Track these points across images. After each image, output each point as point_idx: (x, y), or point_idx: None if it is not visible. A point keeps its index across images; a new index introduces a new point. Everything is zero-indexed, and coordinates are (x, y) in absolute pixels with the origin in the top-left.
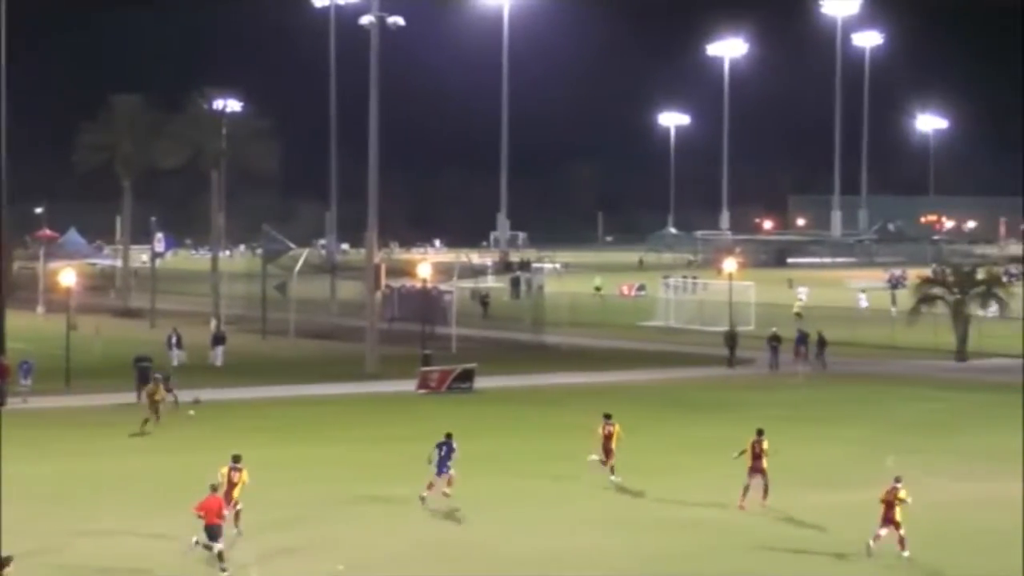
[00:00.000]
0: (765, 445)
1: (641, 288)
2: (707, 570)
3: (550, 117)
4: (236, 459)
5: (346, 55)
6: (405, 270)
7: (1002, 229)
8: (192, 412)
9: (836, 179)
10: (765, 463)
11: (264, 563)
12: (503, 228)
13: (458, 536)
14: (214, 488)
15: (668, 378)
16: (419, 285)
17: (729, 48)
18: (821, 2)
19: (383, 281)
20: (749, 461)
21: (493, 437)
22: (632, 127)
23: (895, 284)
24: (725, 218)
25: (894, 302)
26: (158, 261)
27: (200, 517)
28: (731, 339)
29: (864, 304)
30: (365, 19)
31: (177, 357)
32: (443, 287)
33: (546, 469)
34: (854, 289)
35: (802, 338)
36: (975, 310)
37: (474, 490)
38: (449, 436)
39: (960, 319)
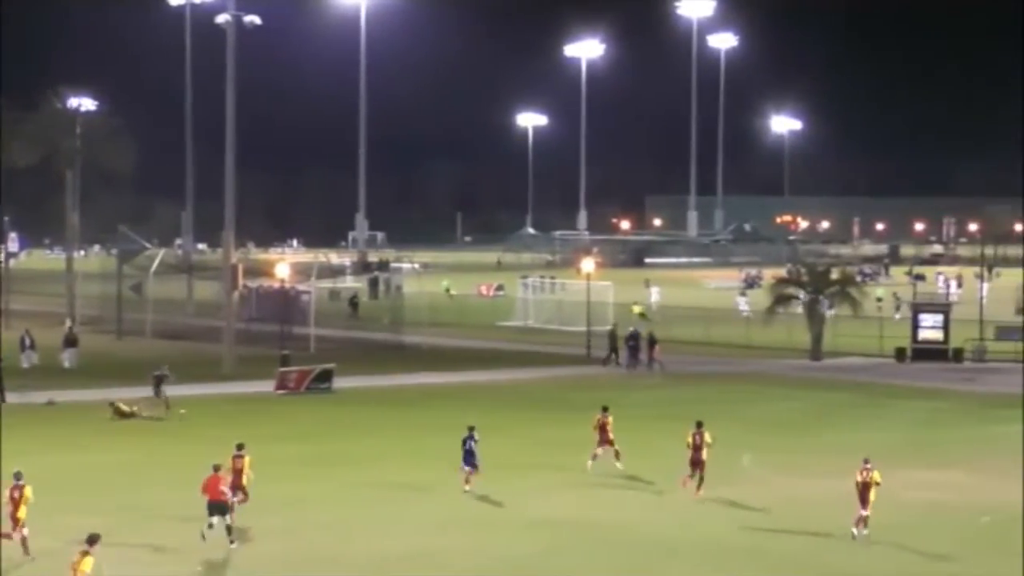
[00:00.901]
0: (707, 438)
1: (500, 288)
2: (564, 569)
3: (409, 117)
4: (240, 447)
5: (203, 53)
6: (263, 270)
7: (855, 229)
8: (183, 411)
9: (692, 179)
10: (705, 454)
11: (126, 565)
12: (361, 228)
13: (312, 537)
14: (216, 468)
15: (527, 378)
16: (277, 285)
17: (586, 49)
18: (677, 4)
19: (240, 281)
20: (690, 453)
21: (351, 437)
22: (490, 127)
23: (751, 284)
24: (583, 218)
25: (743, 295)
26: (12, 261)
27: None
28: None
29: (744, 307)
30: (221, 18)
31: (28, 359)
32: (301, 287)
33: (404, 470)
34: (713, 289)
35: (633, 336)
36: (830, 309)
37: (328, 491)
38: (471, 429)
39: (815, 318)
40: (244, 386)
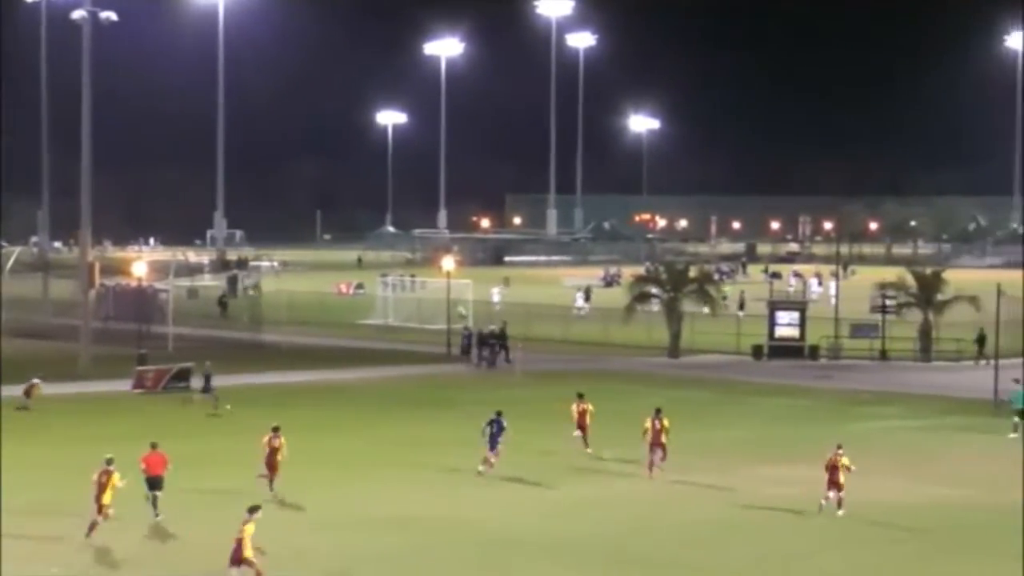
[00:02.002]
0: (665, 423)
1: (359, 286)
2: (422, 567)
3: (268, 115)
4: (276, 429)
5: (58, 50)
6: (120, 268)
7: (713, 228)
8: (228, 406)
9: (552, 178)
10: (664, 438)
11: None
12: (220, 226)
13: (165, 537)
14: (153, 445)
15: (387, 376)
16: (134, 283)
17: (446, 47)
18: (536, 3)
19: (97, 279)
20: (650, 437)
21: (205, 437)
22: (350, 126)
23: (610, 282)
24: (443, 216)
25: (587, 299)
26: None
27: (143, 471)
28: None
29: (581, 303)
30: (77, 14)
31: None
32: (159, 285)
33: (256, 469)
34: (570, 287)
35: (469, 336)
36: (687, 307)
37: (181, 491)
38: (499, 414)
39: (673, 316)
40: (101, 385)
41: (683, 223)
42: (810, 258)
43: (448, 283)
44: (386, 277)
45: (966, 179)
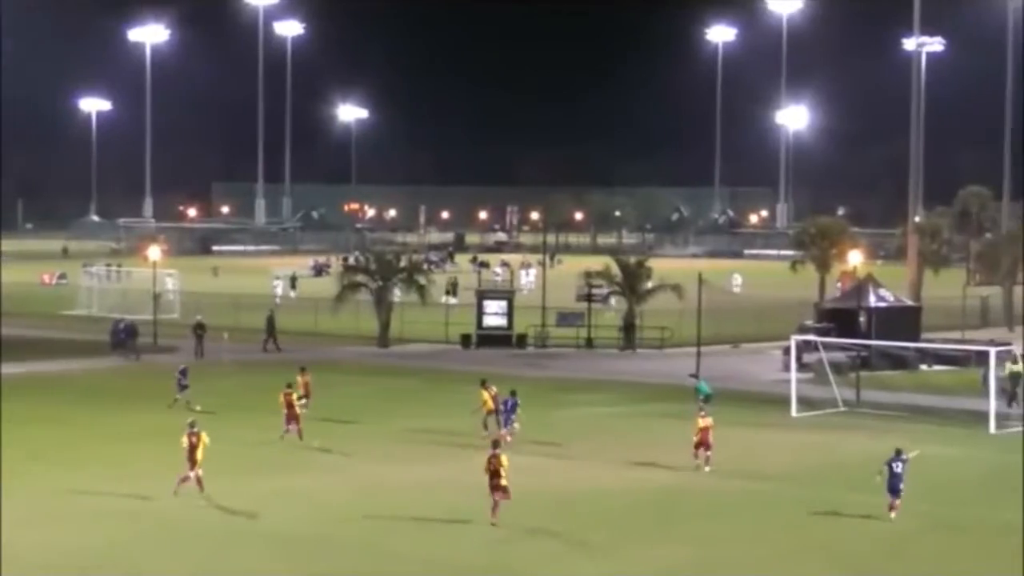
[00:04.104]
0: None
1: (63, 276)
2: (129, 561)
3: None
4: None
5: None
6: None
7: (422, 217)
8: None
9: (260, 167)
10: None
11: None
12: None
13: None
14: None
15: (92, 368)
16: None
17: (151, 34)
18: None
19: None
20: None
21: None
22: (52, 112)
23: (319, 271)
24: (149, 205)
25: (293, 287)
26: None
27: None
28: (270, 323)
29: (279, 291)
30: None
31: None
32: None
33: None
34: (278, 277)
35: (124, 329)
36: (397, 296)
37: None
38: (513, 393)
39: (383, 306)
40: None
41: (392, 213)
42: (517, 248)
43: (154, 273)
44: (90, 267)
45: (670, 170)
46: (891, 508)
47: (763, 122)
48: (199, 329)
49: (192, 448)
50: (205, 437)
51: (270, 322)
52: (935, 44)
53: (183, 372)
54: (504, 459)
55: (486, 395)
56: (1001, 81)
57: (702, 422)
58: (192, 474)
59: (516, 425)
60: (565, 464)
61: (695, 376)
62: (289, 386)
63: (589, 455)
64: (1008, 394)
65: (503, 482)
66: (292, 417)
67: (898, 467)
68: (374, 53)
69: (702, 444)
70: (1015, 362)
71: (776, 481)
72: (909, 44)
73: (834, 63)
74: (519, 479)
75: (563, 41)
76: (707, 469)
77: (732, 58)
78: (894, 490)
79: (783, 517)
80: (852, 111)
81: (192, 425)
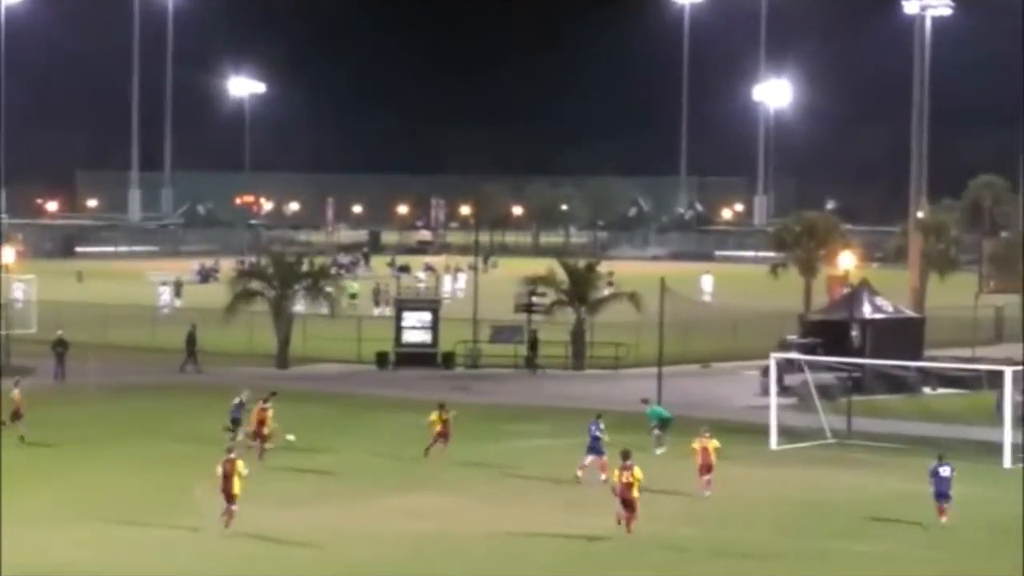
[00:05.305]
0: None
1: None
2: None
3: None
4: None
5: None
6: None
7: (330, 212)
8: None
9: (134, 152)
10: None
11: None
12: None
13: None
14: None
15: None
16: None
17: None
18: None
19: None
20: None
21: None
22: None
23: (206, 276)
24: (2, 199)
25: (177, 295)
26: None
27: None
28: (191, 341)
29: (165, 299)
30: None
31: None
32: None
33: None
34: (157, 283)
35: (60, 343)
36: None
37: None
38: (598, 417)
39: (282, 319)
40: None
41: (294, 206)
42: (444, 248)
43: (5, 279)
44: None
45: (626, 156)
46: (941, 513)
47: (738, 99)
48: (59, 346)
49: (227, 477)
50: (242, 467)
51: (191, 339)
52: (942, 7)
53: (238, 406)
54: (638, 471)
55: (434, 416)
56: (1019, 52)
57: (703, 443)
58: (232, 507)
59: (605, 458)
60: (484, 507)
61: (646, 401)
62: (266, 400)
63: (516, 496)
64: None
65: (635, 494)
66: (259, 435)
67: (945, 471)
68: (273, 15)
69: (704, 467)
70: None
71: (750, 529)
72: (911, 7)
73: (823, 29)
74: (419, 525)
75: (500, 12)
76: (707, 494)
77: (701, 22)
78: (942, 495)
79: (755, 572)
80: (844, 86)
81: (229, 451)
